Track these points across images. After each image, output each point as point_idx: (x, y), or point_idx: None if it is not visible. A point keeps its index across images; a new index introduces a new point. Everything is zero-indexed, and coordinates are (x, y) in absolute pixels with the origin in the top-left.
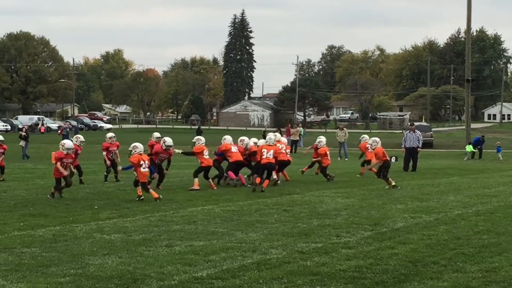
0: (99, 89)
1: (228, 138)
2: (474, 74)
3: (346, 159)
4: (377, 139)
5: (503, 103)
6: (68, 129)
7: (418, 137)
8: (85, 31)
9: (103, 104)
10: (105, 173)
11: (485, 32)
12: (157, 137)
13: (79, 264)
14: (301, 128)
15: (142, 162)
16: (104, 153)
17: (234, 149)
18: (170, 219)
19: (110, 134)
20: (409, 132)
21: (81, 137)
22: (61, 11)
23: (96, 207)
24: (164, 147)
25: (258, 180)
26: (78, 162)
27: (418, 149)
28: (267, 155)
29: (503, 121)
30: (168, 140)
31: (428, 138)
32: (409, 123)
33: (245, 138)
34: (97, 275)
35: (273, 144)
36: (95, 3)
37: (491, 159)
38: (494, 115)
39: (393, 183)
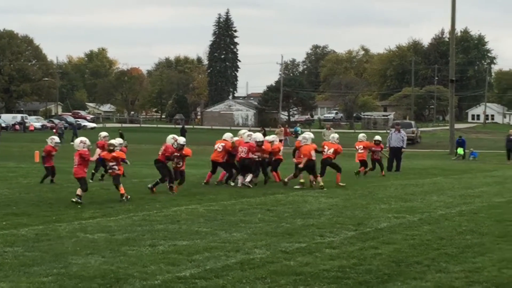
0: (83, 88)
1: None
2: (458, 75)
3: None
4: (308, 135)
5: (487, 104)
6: (63, 128)
7: (402, 137)
8: (69, 30)
9: (86, 103)
10: (93, 171)
11: (469, 33)
12: (104, 137)
13: (62, 263)
14: (298, 128)
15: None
16: (99, 151)
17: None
18: (153, 218)
19: (104, 133)
20: (394, 132)
21: (56, 138)
22: (46, 10)
23: (79, 206)
24: (176, 146)
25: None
26: (53, 163)
27: (402, 149)
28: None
29: (487, 121)
30: (180, 139)
31: (409, 134)
32: (395, 124)
33: (251, 133)
34: (80, 274)
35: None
36: (80, 1)
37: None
38: (478, 116)
39: (321, 183)
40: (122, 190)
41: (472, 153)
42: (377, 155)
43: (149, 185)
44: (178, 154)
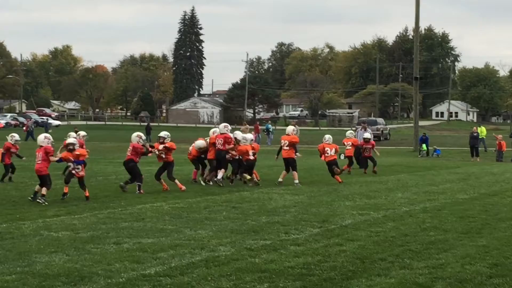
0: (48, 86)
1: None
2: (422, 72)
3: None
4: (249, 136)
5: (451, 101)
6: (33, 126)
7: (369, 134)
8: (33, 27)
9: (51, 101)
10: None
11: (433, 31)
12: (83, 136)
13: (25, 261)
14: (269, 125)
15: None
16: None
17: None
18: (118, 216)
19: (83, 133)
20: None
21: (16, 136)
22: (9, 6)
23: (44, 204)
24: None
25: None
26: (11, 160)
27: None
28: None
29: (451, 118)
30: (161, 133)
31: (375, 132)
32: (361, 122)
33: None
34: (44, 272)
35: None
36: None
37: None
38: (442, 113)
39: (255, 180)
40: (66, 189)
41: (436, 151)
42: (368, 152)
43: (122, 185)
44: (163, 147)
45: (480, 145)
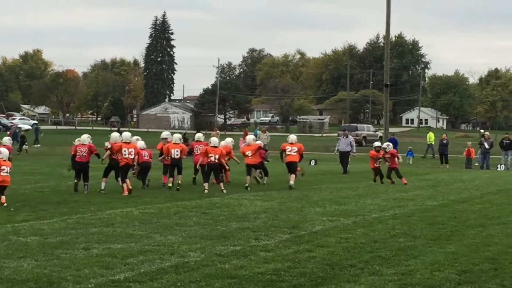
0: (18, 90)
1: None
2: (392, 79)
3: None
4: (214, 139)
5: (421, 108)
6: (17, 130)
7: (350, 142)
8: (3, 30)
9: (21, 105)
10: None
11: (404, 38)
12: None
13: None
14: (258, 131)
15: (4, 167)
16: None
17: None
18: (88, 221)
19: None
20: (343, 137)
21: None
22: None
23: (12, 209)
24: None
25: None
26: None
27: (352, 153)
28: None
29: (421, 125)
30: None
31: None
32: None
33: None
34: (12, 278)
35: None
36: (14, 1)
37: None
38: (412, 120)
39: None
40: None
41: (408, 153)
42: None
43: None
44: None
45: (429, 152)
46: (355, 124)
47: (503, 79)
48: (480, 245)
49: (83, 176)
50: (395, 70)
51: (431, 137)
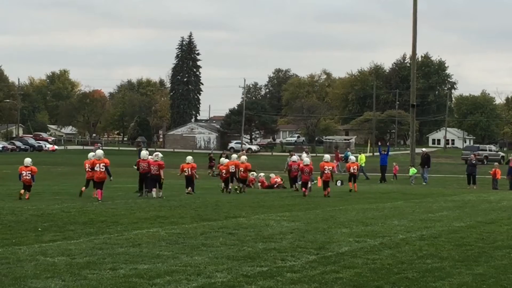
0: (45, 110)
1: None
2: (419, 99)
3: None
4: (223, 159)
5: (447, 128)
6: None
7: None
8: (31, 51)
9: (48, 125)
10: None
11: (430, 58)
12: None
13: (21, 287)
14: (349, 153)
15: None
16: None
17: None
18: (114, 241)
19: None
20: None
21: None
22: (7, 31)
23: (39, 229)
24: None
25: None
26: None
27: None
28: None
29: (447, 146)
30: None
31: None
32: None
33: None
34: None
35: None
36: (41, 23)
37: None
38: (439, 140)
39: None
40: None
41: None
42: None
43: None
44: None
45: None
46: (477, 145)
47: None
48: (508, 267)
49: (158, 185)
50: (421, 90)
51: (362, 159)
